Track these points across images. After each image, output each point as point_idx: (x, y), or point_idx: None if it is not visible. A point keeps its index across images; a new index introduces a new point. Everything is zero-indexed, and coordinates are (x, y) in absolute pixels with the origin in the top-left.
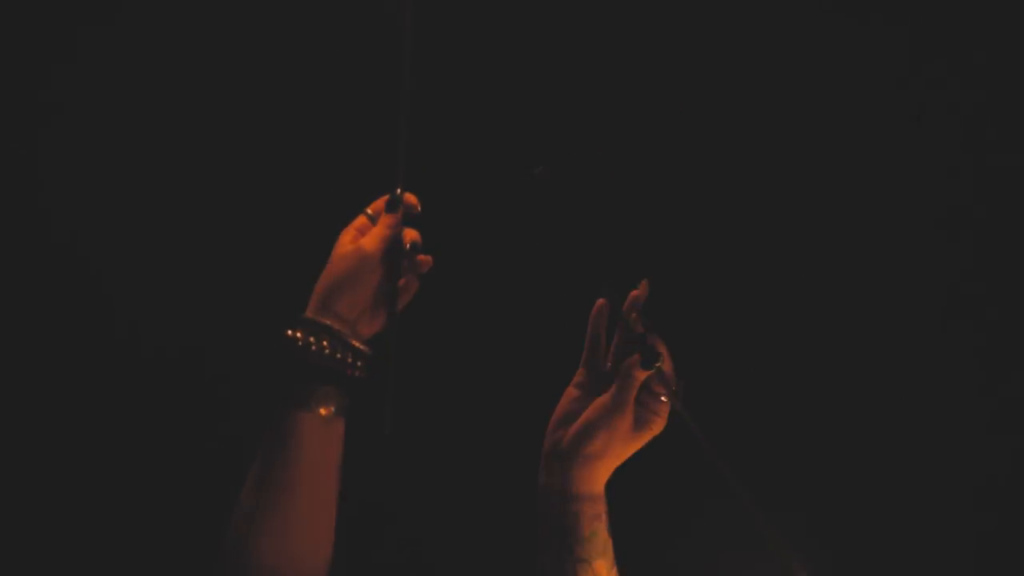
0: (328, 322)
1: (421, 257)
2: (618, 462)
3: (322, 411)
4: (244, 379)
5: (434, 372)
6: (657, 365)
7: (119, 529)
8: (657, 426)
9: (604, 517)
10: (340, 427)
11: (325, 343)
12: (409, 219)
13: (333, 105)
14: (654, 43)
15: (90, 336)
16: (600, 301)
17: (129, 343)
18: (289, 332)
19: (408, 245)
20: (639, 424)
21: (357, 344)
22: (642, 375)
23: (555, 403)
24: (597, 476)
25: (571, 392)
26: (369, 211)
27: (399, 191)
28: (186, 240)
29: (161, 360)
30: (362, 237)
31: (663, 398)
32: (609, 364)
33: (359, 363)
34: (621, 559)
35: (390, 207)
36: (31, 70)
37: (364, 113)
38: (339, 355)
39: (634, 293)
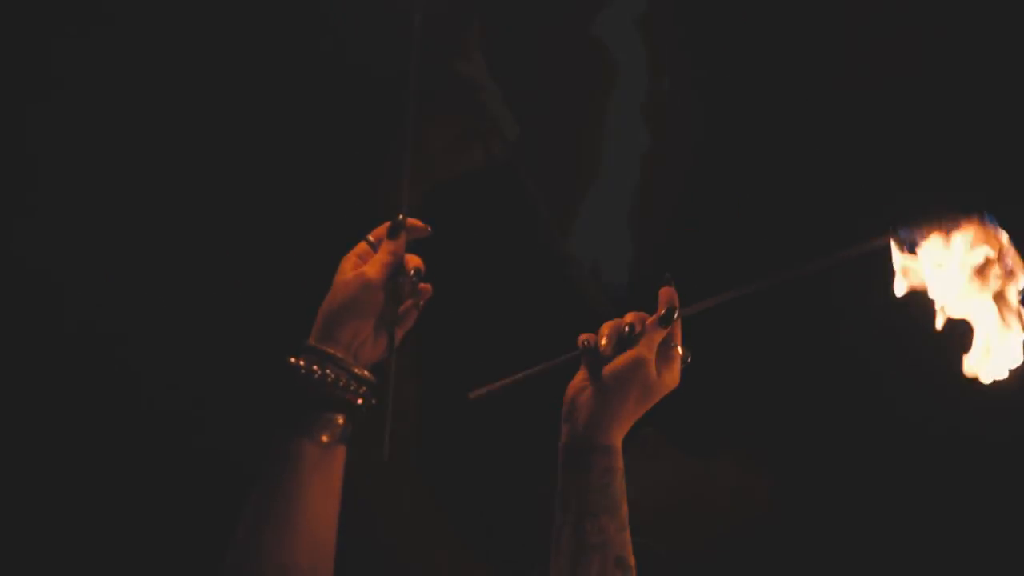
0: (331, 350)
1: (422, 285)
2: (636, 415)
3: (324, 438)
4: (247, 406)
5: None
6: (675, 319)
7: (121, 554)
8: (676, 374)
9: (618, 475)
10: (342, 454)
11: (328, 371)
12: (411, 245)
13: (337, 134)
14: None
15: (96, 362)
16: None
17: (133, 369)
18: (292, 360)
19: (411, 272)
20: (661, 371)
21: (359, 371)
22: (662, 332)
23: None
24: (616, 428)
25: (583, 372)
26: (371, 238)
27: (401, 217)
28: (190, 268)
29: (164, 386)
30: (364, 264)
31: (679, 349)
32: (609, 348)
33: (361, 390)
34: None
35: (392, 233)
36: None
37: (367, 140)
38: (342, 383)
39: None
